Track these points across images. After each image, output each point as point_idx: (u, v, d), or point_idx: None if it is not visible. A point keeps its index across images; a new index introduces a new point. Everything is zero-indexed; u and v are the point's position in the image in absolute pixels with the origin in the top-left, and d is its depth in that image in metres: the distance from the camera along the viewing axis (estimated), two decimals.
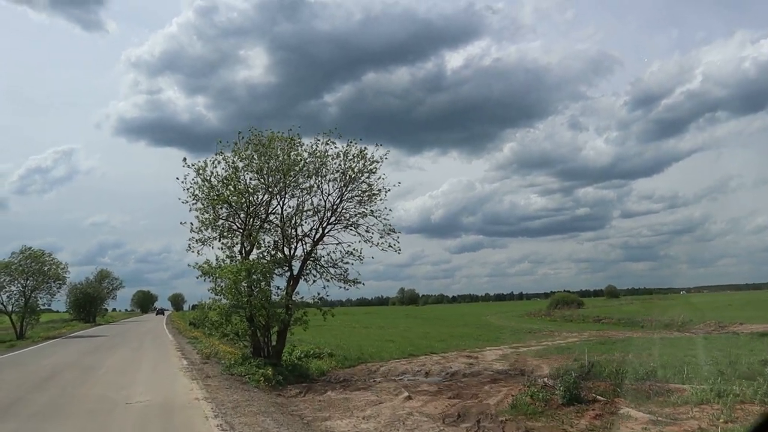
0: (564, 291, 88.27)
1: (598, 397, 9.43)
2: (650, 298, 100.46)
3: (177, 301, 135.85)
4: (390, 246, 16.62)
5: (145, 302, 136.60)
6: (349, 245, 16.60)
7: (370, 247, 16.82)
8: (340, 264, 16.67)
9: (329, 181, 16.62)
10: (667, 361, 14.35)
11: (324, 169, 16.41)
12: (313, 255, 16.70)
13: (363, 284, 16.91)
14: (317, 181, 16.44)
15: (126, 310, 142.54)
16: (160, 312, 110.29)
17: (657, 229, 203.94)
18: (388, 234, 16.62)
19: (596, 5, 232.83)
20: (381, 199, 16.61)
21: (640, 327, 39.08)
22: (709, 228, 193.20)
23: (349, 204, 16.68)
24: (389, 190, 16.60)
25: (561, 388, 9.43)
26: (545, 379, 11.43)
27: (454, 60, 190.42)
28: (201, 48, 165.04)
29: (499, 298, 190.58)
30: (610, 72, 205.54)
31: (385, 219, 16.54)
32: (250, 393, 12.10)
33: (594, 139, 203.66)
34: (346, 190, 16.51)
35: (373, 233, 16.61)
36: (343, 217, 16.71)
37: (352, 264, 16.63)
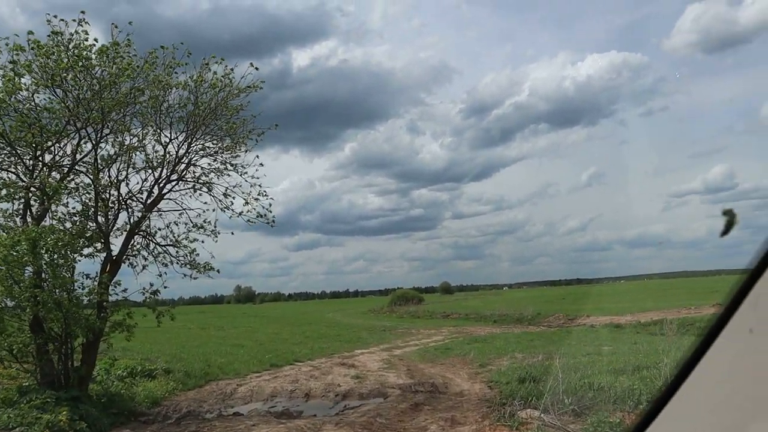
0: (398, 288, 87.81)
1: None
2: (479, 294, 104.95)
3: None
4: (260, 216, 11.77)
5: None
6: (199, 214, 11.53)
7: (230, 217, 11.83)
8: (184, 242, 11.47)
9: (171, 123, 11.36)
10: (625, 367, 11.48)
11: (166, 102, 11.06)
12: (143, 227, 11.24)
13: (218, 271, 11.84)
14: (154, 116, 11.04)
15: None
16: None
17: (484, 230, 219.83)
18: (256, 200, 11.77)
19: (440, 16, 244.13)
20: (247, 150, 11.76)
21: (492, 322, 38.63)
22: (529, 230, 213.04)
23: (200, 153, 11.55)
24: (263, 133, 11.75)
25: None
26: (534, 412, 7.56)
27: (300, 58, 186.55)
28: (25, 22, 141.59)
29: (336, 295, 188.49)
30: (449, 81, 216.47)
31: (254, 178, 11.68)
32: None
33: (430, 143, 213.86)
34: (197, 132, 11.32)
35: (234, 197, 11.67)
36: (191, 173, 11.52)
37: (203, 242, 11.55)
